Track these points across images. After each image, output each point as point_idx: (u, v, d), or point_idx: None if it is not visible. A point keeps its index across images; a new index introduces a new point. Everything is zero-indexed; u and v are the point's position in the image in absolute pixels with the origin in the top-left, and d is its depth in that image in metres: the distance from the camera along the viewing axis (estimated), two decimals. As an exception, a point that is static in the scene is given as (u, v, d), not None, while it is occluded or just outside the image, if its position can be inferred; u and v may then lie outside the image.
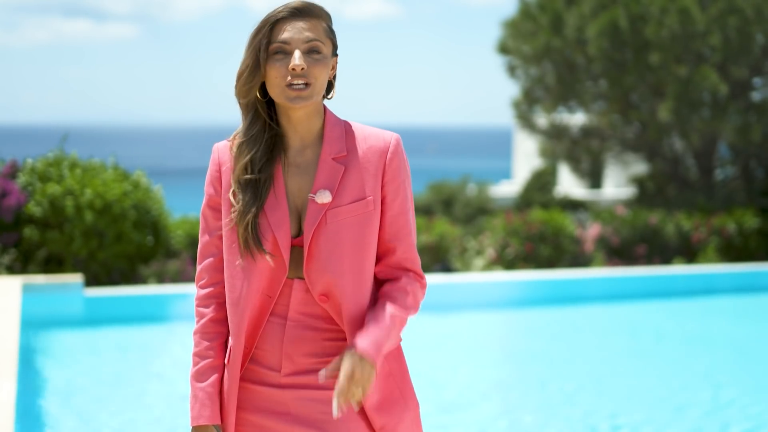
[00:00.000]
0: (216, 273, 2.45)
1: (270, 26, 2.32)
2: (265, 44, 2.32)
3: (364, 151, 2.40)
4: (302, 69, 2.30)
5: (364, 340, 2.29)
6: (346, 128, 2.43)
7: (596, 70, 15.42)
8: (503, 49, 16.47)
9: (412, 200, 2.45)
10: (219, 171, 2.43)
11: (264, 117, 2.40)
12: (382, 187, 2.39)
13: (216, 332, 2.44)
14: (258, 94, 2.39)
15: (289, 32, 2.32)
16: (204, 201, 2.46)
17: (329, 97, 2.42)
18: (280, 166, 2.40)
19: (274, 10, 2.34)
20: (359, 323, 2.37)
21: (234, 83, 2.39)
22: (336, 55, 2.41)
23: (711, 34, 14.36)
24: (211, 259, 2.45)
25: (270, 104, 2.43)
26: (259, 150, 2.38)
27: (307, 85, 2.32)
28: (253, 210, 2.35)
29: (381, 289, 2.42)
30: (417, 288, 2.42)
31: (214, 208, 2.45)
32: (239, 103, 2.41)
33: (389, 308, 2.36)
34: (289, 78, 2.31)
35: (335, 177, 2.37)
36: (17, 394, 4.98)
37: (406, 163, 2.43)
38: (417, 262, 2.45)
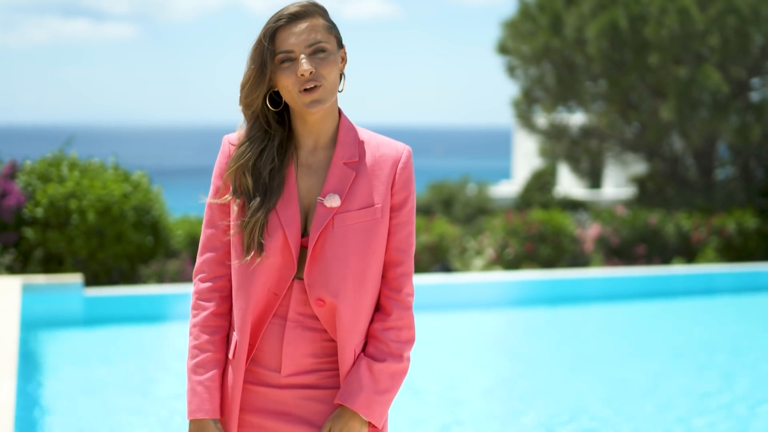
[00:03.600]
0: (218, 267, 2.43)
1: (270, 36, 2.32)
2: (270, 55, 2.32)
3: (376, 158, 2.40)
4: (311, 73, 2.30)
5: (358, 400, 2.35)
6: (360, 134, 2.43)
7: (596, 71, 15.42)
8: (503, 49, 16.47)
9: (414, 216, 2.46)
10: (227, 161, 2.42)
11: (270, 121, 2.40)
12: (392, 195, 2.39)
13: (217, 326, 2.42)
14: (269, 105, 2.39)
15: (290, 39, 2.31)
16: (211, 193, 2.44)
17: (340, 90, 2.41)
18: (292, 166, 2.39)
19: (271, 20, 2.33)
20: (353, 330, 2.38)
21: (238, 93, 2.39)
22: (343, 47, 2.41)
23: (710, 34, 14.36)
24: (213, 254, 2.43)
25: (284, 107, 2.43)
26: (266, 152, 2.38)
27: (321, 85, 2.31)
28: (265, 208, 2.35)
29: (371, 326, 2.42)
30: (406, 315, 2.42)
31: (224, 207, 2.42)
32: (243, 112, 2.41)
33: (386, 368, 2.38)
34: (300, 84, 2.31)
35: (345, 182, 2.36)
36: (17, 394, 4.99)
37: (413, 177, 2.44)
38: (411, 279, 2.45)
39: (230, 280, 2.43)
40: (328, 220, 2.34)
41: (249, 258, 2.34)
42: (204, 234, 2.45)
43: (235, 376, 2.40)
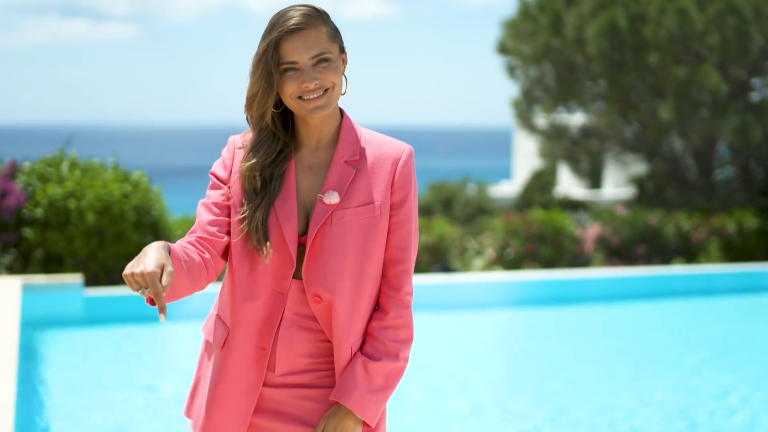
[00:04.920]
0: (206, 228, 2.38)
1: (273, 47, 2.32)
2: (274, 65, 2.32)
3: (376, 156, 2.41)
4: (315, 84, 2.31)
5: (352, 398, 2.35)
6: (361, 134, 2.44)
7: (595, 71, 15.42)
8: (503, 49, 16.47)
9: (416, 215, 2.45)
10: (232, 159, 2.43)
11: (277, 125, 2.40)
12: (391, 194, 2.40)
13: (196, 252, 2.33)
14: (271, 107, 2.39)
15: (294, 51, 2.31)
16: (208, 186, 2.45)
17: (343, 92, 2.42)
18: (292, 165, 2.40)
19: (273, 28, 2.32)
20: (350, 328, 2.38)
21: (244, 104, 2.39)
22: (344, 51, 2.41)
23: (709, 34, 14.36)
24: (204, 223, 2.39)
25: (285, 109, 2.43)
26: (270, 153, 2.39)
27: (325, 92, 2.33)
28: (265, 206, 2.35)
29: (369, 325, 2.42)
30: (404, 313, 2.42)
31: (218, 188, 2.43)
32: (251, 121, 2.41)
33: (382, 367, 2.38)
34: (303, 93, 2.32)
35: (345, 179, 2.37)
36: (17, 394, 4.99)
37: (414, 176, 2.44)
38: (410, 278, 2.45)
39: (214, 240, 2.38)
40: (327, 216, 2.35)
41: (264, 252, 2.33)
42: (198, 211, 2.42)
43: (242, 381, 2.39)
